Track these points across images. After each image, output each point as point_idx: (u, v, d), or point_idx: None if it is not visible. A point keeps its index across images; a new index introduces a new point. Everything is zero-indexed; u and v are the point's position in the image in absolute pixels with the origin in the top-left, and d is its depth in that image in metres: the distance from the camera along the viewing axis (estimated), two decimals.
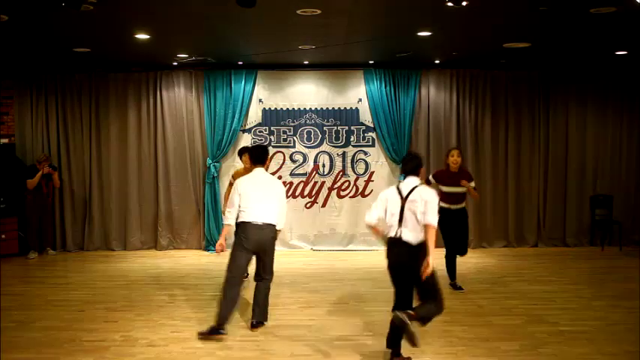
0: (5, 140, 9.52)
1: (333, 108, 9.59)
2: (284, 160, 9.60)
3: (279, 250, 9.38)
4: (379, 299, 6.65)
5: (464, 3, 5.00)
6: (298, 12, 5.83)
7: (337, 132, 9.60)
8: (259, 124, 9.58)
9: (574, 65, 9.45)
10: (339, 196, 9.68)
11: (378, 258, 9.05)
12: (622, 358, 4.86)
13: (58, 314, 6.11)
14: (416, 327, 4.38)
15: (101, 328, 5.66)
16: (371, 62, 9.24)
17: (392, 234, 4.61)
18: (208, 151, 9.46)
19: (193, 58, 8.63)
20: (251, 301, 5.73)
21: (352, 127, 9.60)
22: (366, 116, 9.57)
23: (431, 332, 5.43)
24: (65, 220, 9.61)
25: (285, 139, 9.58)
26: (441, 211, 5.24)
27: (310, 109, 9.59)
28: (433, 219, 4.45)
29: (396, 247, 4.58)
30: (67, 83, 9.54)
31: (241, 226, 5.41)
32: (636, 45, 7.74)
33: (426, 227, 4.47)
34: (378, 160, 9.63)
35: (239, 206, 5.41)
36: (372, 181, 9.64)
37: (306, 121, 9.60)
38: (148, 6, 5.71)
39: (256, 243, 5.41)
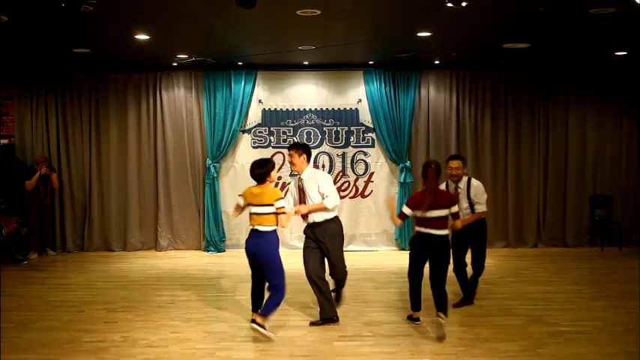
0: (5, 141, 9.51)
1: (333, 108, 9.58)
2: (284, 160, 9.58)
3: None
4: (379, 299, 6.65)
5: (464, 3, 5.00)
6: (298, 12, 5.83)
7: (337, 132, 9.59)
8: (259, 125, 9.57)
9: (574, 65, 9.44)
10: (339, 197, 9.63)
11: (377, 258, 9.15)
12: (621, 358, 4.86)
13: (58, 315, 6.10)
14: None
15: (101, 328, 5.66)
16: (371, 63, 9.23)
17: None
18: (208, 151, 9.45)
19: (193, 58, 8.63)
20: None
21: (352, 128, 9.59)
22: (365, 117, 9.57)
23: (431, 333, 5.43)
24: (65, 220, 9.61)
25: (284, 140, 9.56)
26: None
27: (310, 109, 9.58)
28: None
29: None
30: (67, 84, 9.53)
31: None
32: (636, 45, 7.74)
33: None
34: (377, 160, 9.62)
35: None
36: (372, 181, 9.63)
37: (305, 121, 9.60)
38: (148, 6, 5.70)
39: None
